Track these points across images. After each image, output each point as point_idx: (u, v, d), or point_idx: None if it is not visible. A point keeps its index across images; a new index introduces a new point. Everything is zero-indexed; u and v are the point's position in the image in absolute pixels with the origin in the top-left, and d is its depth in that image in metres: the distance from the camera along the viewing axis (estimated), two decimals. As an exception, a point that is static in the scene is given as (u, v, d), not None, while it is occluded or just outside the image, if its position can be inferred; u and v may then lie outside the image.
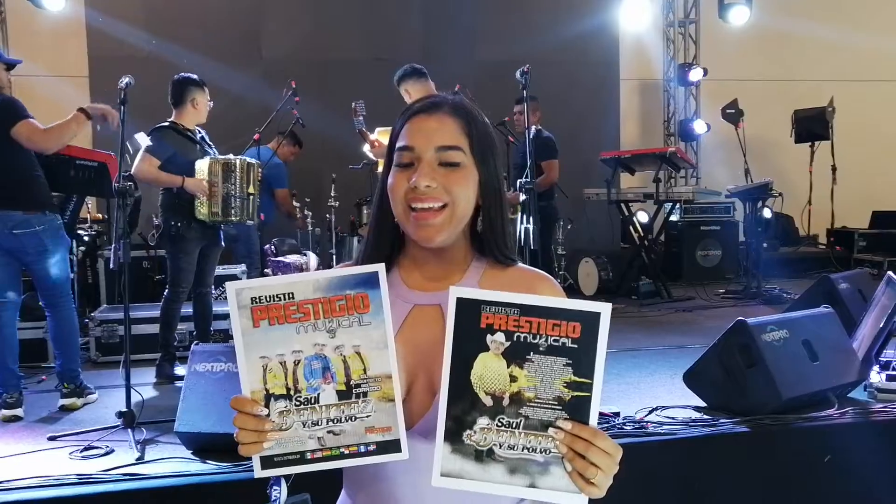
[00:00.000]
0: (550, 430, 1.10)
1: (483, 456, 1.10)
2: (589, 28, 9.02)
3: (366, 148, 4.87)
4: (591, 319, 1.08)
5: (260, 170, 4.89)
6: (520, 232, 4.17)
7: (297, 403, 1.14)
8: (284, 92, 6.42)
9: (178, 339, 4.86)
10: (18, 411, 3.97)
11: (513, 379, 1.10)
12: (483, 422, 1.10)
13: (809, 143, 9.46)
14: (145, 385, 4.55)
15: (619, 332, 6.12)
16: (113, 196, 3.85)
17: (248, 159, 4.89)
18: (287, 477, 1.25)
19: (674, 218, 8.75)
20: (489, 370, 1.10)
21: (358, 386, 1.14)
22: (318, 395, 1.14)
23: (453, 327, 1.10)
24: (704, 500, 3.40)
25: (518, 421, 1.10)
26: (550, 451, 1.10)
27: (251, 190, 4.73)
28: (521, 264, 1.41)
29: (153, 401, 4.24)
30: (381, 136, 5.09)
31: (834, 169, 9.33)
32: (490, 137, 1.38)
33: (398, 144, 1.32)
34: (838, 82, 9.56)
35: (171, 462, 3.20)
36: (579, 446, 1.08)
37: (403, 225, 1.32)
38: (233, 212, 4.69)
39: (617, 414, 3.73)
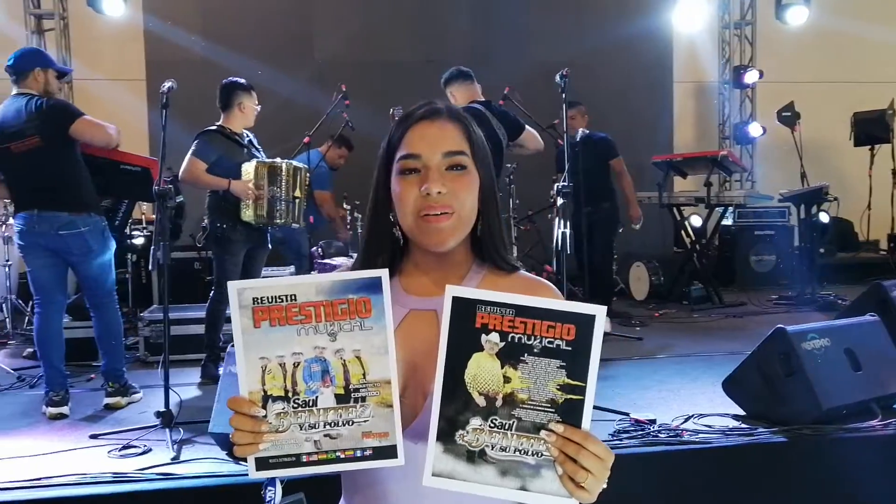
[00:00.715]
0: (542, 433, 1.09)
1: (475, 457, 1.10)
2: (642, 30, 8.89)
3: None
4: (586, 322, 1.08)
5: (308, 174, 4.94)
6: (557, 237, 4.14)
7: (295, 406, 1.14)
8: (334, 95, 6.47)
9: (223, 339, 4.95)
10: (64, 409, 4.09)
11: (506, 380, 1.10)
12: (476, 422, 1.10)
13: (869, 147, 9.16)
14: (190, 385, 4.67)
15: (667, 337, 6.07)
16: (154, 200, 3.95)
17: (296, 163, 4.94)
18: (282, 479, 1.25)
19: (727, 222, 8.59)
20: (483, 370, 1.10)
21: (357, 390, 1.14)
22: (317, 398, 1.14)
23: (448, 326, 1.10)
24: (738, 511, 3.35)
25: (511, 422, 1.10)
26: (542, 454, 1.09)
27: (297, 193, 4.78)
28: (523, 272, 1.40)
29: (196, 401, 4.34)
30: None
31: (895, 172, 9.04)
32: (484, 142, 1.39)
33: (402, 153, 1.32)
34: (900, 84, 9.25)
35: (205, 462, 3.25)
36: (570, 449, 1.08)
37: (412, 232, 1.32)
38: (278, 215, 4.75)
39: (653, 421, 3.68)
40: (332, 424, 1.14)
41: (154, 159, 4.04)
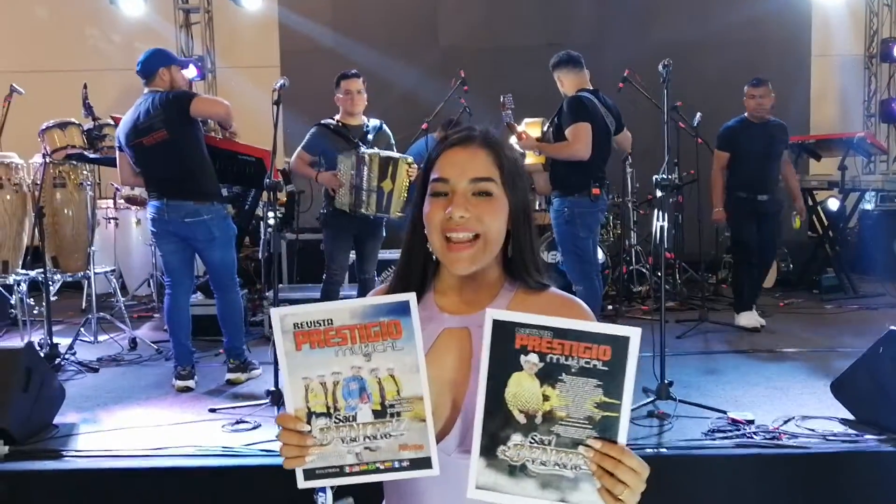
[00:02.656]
0: (581, 448, 1.14)
1: (516, 471, 1.16)
2: (776, 3, 8.45)
3: (512, 140, 4.92)
4: (622, 343, 1.12)
5: (409, 166, 4.92)
6: (655, 230, 4.06)
7: (337, 421, 1.22)
8: (453, 81, 6.55)
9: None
10: (190, 383, 4.45)
11: (545, 398, 1.15)
12: (517, 438, 1.16)
13: None
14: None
15: (788, 329, 5.84)
16: (264, 188, 4.19)
17: (391, 154, 4.94)
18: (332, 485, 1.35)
19: (868, 206, 8.07)
20: (523, 389, 1.15)
21: (392, 406, 1.22)
22: (356, 413, 1.22)
23: (489, 348, 1.16)
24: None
25: (550, 438, 1.15)
26: (580, 468, 1.14)
27: (385, 184, 4.82)
28: (553, 289, 1.44)
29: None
30: (529, 127, 5.11)
31: None
32: (518, 166, 1.44)
33: (433, 176, 1.40)
34: None
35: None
36: (608, 464, 1.13)
37: (439, 253, 1.39)
38: (363, 204, 4.83)
39: (751, 421, 3.59)
40: (371, 438, 1.22)
41: (267, 150, 4.25)
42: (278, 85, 4.11)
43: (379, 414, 1.22)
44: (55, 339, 5.07)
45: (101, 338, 5.61)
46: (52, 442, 3.60)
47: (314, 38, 8.65)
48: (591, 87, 4.97)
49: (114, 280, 6.17)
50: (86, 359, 5.09)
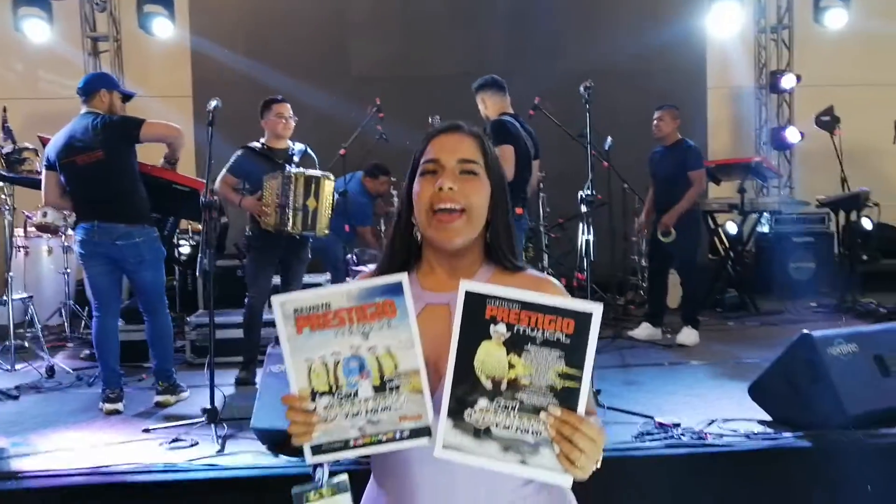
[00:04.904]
0: (542, 415, 1.22)
1: (481, 433, 1.24)
2: (675, 36, 8.93)
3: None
4: (584, 318, 1.21)
5: (329, 181, 4.95)
6: (581, 244, 4.26)
7: (339, 398, 1.30)
8: (369, 109, 6.63)
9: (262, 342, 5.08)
10: (119, 405, 4.38)
11: (511, 366, 1.24)
12: (482, 403, 1.24)
13: (914, 151, 9.02)
14: (232, 385, 4.92)
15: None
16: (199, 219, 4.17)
17: (313, 173, 4.96)
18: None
19: (764, 229, 8.56)
20: (491, 357, 1.24)
21: (391, 381, 1.30)
22: (357, 390, 1.30)
23: (461, 316, 1.25)
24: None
25: (514, 404, 1.23)
26: (541, 434, 1.23)
27: (310, 202, 4.83)
28: (529, 270, 1.56)
29: (236, 399, 4.52)
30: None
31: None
32: (497, 159, 1.58)
33: (424, 159, 1.52)
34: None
35: (247, 455, 3.49)
36: (566, 430, 1.21)
37: (426, 229, 1.49)
38: (289, 223, 4.82)
39: (677, 425, 3.75)
40: (373, 412, 1.30)
41: (202, 181, 4.24)
42: (212, 106, 4.12)
43: (379, 389, 1.30)
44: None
45: (17, 366, 5.43)
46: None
47: (227, 65, 8.62)
48: (512, 112, 5.16)
49: (32, 307, 5.97)
50: (3, 387, 4.92)
